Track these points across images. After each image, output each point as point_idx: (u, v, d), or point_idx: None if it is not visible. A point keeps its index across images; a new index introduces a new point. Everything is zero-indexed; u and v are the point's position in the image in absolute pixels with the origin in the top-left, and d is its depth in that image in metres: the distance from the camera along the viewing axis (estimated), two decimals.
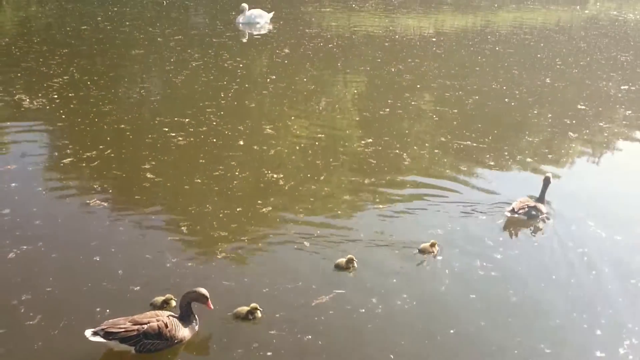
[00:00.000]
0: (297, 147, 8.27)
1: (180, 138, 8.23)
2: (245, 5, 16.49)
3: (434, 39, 16.65)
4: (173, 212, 6.36)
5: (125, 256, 5.42)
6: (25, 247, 5.46)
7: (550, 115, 10.20)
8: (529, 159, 8.29)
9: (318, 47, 14.59)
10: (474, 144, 8.66)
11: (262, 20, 16.70)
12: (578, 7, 26.90)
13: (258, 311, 4.65)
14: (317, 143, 8.44)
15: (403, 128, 9.33)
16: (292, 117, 9.60)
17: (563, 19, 23.00)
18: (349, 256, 5.39)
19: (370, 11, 21.41)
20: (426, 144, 8.62)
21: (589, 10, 25.93)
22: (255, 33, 16.02)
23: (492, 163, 8.05)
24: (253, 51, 14.09)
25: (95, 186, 6.77)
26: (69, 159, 7.44)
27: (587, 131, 9.59)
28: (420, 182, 7.38)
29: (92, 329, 4.14)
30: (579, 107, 10.74)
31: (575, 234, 6.22)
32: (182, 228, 5.99)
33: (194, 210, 6.34)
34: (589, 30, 19.98)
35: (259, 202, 6.60)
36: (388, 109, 10.07)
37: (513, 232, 6.23)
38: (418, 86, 11.61)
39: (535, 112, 10.34)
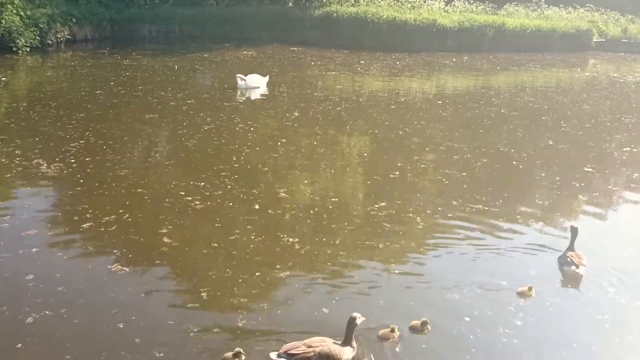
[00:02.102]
0: (311, 211, 8.38)
1: (197, 202, 8.37)
2: (239, 75, 17.04)
3: (439, 102, 17.03)
4: (193, 277, 6.41)
5: (146, 323, 5.45)
6: (47, 312, 5.52)
7: (558, 178, 10.35)
8: (541, 223, 8.36)
9: (327, 110, 14.93)
10: (486, 208, 8.77)
11: (260, 84, 17.23)
12: (579, 69, 27.59)
13: None
14: (330, 207, 8.56)
15: (414, 191, 9.46)
16: (305, 181, 9.76)
17: (563, 80, 23.54)
18: (423, 319, 5.49)
19: (374, 74, 21.97)
20: (439, 208, 8.72)
21: (589, 72, 26.56)
22: (263, 97, 16.43)
23: (505, 227, 8.12)
24: (263, 114, 14.42)
25: (115, 251, 6.86)
26: (88, 224, 7.55)
27: (597, 194, 9.71)
28: (435, 247, 7.45)
29: (275, 352, 4.83)
30: (586, 169, 10.91)
31: (593, 300, 6.25)
32: (203, 294, 6.03)
33: (214, 275, 6.41)
34: (590, 92, 20.41)
35: (277, 266, 6.67)
36: (398, 172, 10.24)
37: (527, 298, 6.25)
38: (427, 149, 11.83)
39: (543, 174, 10.50)
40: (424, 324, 5.52)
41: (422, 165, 10.74)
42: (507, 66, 26.48)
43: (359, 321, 5.11)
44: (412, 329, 5.55)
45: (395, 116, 14.73)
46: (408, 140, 12.40)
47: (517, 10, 35.33)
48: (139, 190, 8.82)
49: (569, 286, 6.61)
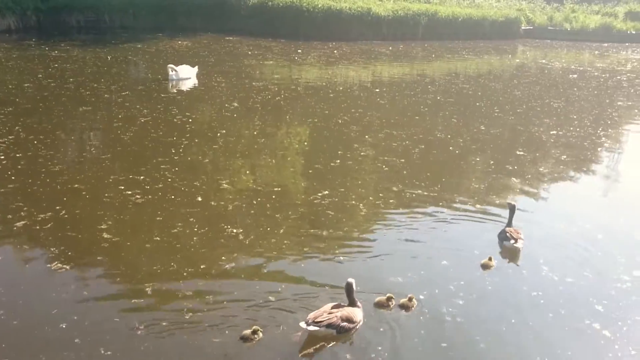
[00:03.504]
0: (254, 202, 8.36)
1: (137, 196, 8.20)
2: (171, 65, 16.69)
3: (376, 90, 17.26)
4: (137, 273, 6.30)
5: (90, 323, 5.33)
6: None
7: (492, 161, 10.74)
8: (478, 206, 8.65)
9: (266, 100, 14.88)
10: (425, 193, 9.00)
11: (191, 75, 16.93)
12: (509, 55, 28.56)
13: None
14: (273, 197, 8.57)
15: (356, 179, 9.59)
16: (247, 171, 9.72)
17: (495, 67, 24.33)
18: (389, 295, 5.85)
19: (312, 63, 22.01)
20: (380, 194, 8.88)
21: (519, 59, 27.53)
22: (201, 88, 16.20)
23: (444, 211, 8.36)
24: (202, 105, 14.23)
25: (53, 249, 6.64)
26: (23, 222, 7.27)
27: (529, 176, 10.12)
28: (378, 232, 7.61)
29: (304, 322, 5.19)
30: (518, 152, 11.36)
31: (528, 279, 6.55)
32: (147, 290, 5.93)
33: (158, 270, 6.31)
34: (520, 78, 21.19)
35: (223, 258, 6.64)
36: (339, 160, 10.35)
37: (469, 277, 6.49)
38: (366, 137, 11.99)
39: (478, 159, 10.86)
40: (389, 299, 5.85)
41: (362, 153, 10.89)
42: (442, 54, 27.09)
43: (354, 285, 5.59)
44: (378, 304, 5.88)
45: (334, 105, 14.84)
46: (347, 128, 12.53)
47: None
48: (76, 185, 8.55)
49: (507, 261, 6.90)
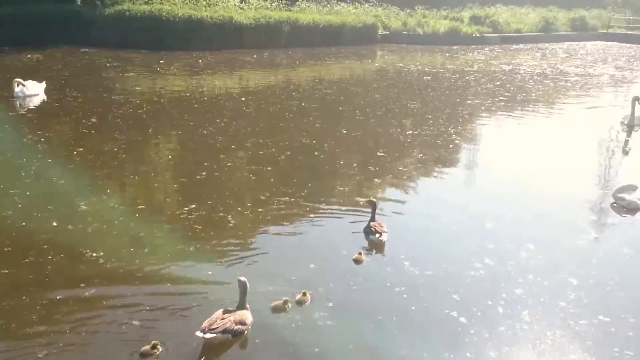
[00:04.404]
0: (116, 222, 7.98)
1: None
2: (18, 79, 15.53)
3: (242, 98, 17.22)
4: None
5: None
6: None
7: (355, 164, 11.11)
8: (344, 207, 8.90)
9: (127, 114, 14.29)
10: (293, 199, 9.12)
11: (39, 91, 15.84)
12: (369, 60, 29.77)
13: None
14: (137, 215, 8.24)
15: (223, 190, 9.48)
16: (107, 190, 9.25)
17: (356, 72, 25.23)
18: (285, 298, 6.00)
19: (175, 74, 21.50)
20: (248, 204, 8.85)
21: (378, 63, 28.79)
22: (55, 103, 15.22)
23: (313, 214, 8.52)
24: (56, 122, 13.37)
25: None
26: None
27: (390, 175, 10.60)
28: (248, 242, 7.57)
29: (200, 330, 5.24)
30: (379, 154, 11.86)
31: (392, 273, 6.84)
32: None
33: (8, 306, 5.80)
34: (380, 82, 22.16)
35: (82, 285, 6.26)
36: (205, 172, 10.18)
37: (341, 275, 6.65)
38: (232, 146, 11.91)
39: (342, 162, 11.19)
40: (285, 302, 5.99)
41: (229, 164, 10.80)
42: (305, 60, 27.62)
43: (247, 284, 5.72)
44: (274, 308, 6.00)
45: (198, 115, 14.59)
46: (213, 139, 12.37)
47: (309, 7, 36.95)
48: None
49: (374, 254, 7.15)
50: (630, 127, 14.63)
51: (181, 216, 8.29)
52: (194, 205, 8.64)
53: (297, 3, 36.63)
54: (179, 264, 6.90)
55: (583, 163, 11.78)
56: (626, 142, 13.82)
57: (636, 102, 14.61)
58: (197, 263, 6.92)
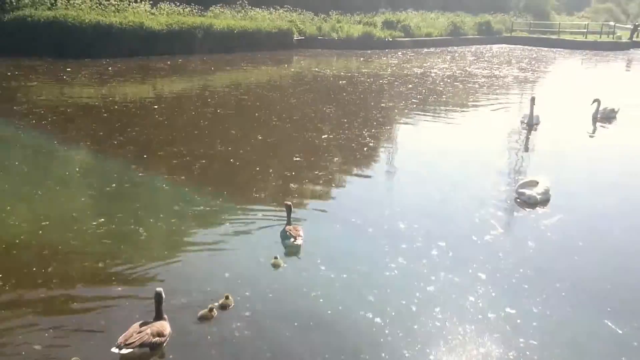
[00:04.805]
0: (17, 241, 7.53)
1: None
2: None
3: (155, 106, 16.78)
4: None
5: None
6: None
7: (271, 170, 11.07)
8: (260, 213, 8.82)
9: (30, 125, 13.60)
10: (208, 208, 8.95)
11: None
12: (285, 65, 29.84)
13: None
14: (40, 232, 7.82)
15: (134, 202, 9.18)
16: (7, 208, 8.71)
17: (273, 77, 25.21)
18: (210, 305, 5.96)
19: (84, 82, 20.68)
20: (161, 215, 8.60)
21: (294, 68, 28.90)
22: None
23: (227, 224, 8.38)
24: None
25: None
26: None
27: (306, 180, 10.62)
28: (161, 254, 7.34)
29: (116, 346, 5.12)
30: (295, 159, 11.87)
31: (308, 278, 6.84)
32: None
33: None
34: (296, 87, 22.24)
35: None
36: (115, 184, 9.82)
37: (259, 281, 6.58)
38: (144, 156, 11.56)
39: (258, 168, 11.10)
40: (211, 309, 5.94)
41: (140, 174, 10.47)
42: (221, 66, 27.34)
43: (163, 294, 5.58)
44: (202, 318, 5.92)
45: (108, 125, 14.07)
46: (123, 149, 11.97)
47: (223, 12, 36.64)
48: None
49: (290, 258, 7.12)
50: (529, 126, 15.43)
51: (89, 231, 7.94)
52: (102, 219, 8.30)
53: (210, 8, 36.19)
54: (87, 281, 6.60)
55: (489, 161, 12.27)
56: (527, 140, 14.55)
57: (533, 102, 15.42)
58: (107, 279, 6.65)
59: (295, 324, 5.91)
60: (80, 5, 28.98)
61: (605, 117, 16.68)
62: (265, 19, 37.45)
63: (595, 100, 16.61)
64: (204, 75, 24.35)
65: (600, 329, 5.97)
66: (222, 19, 34.60)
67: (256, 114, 16.29)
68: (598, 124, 16.38)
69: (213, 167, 11.17)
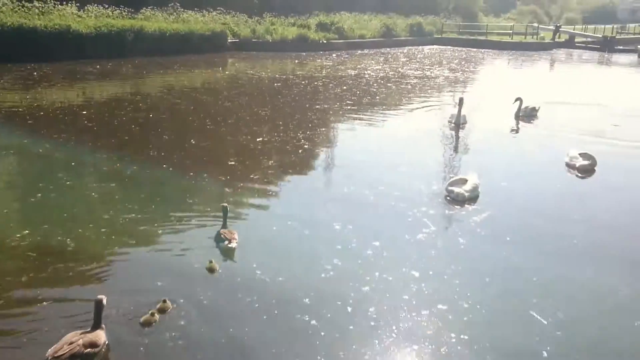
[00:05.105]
0: None
1: None
2: None
3: (83, 112, 16.25)
4: None
5: None
6: None
7: (205, 174, 10.92)
8: (194, 219, 8.69)
9: None
10: (139, 215, 8.74)
11: None
12: (220, 68, 29.52)
13: None
14: None
15: (61, 212, 8.84)
16: None
17: (207, 80, 24.89)
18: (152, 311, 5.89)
19: (7, 87, 19.82)
20: (90, 225, 8.32)
21: (229, 71, 28.64)
22: None
23: (159, 231, 8.21)
24: None
25: None
26: None
27: (241, 184, 10.53)
28: (91, 265, 7.11)
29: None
30: (230, 163, 11.75)
31: (242, 283, 6.79)
32: None
33: None
34: (231, 90, 22.04)
35: None
36: (40, 194, 9.44)
37: (191, 291, 6.47)
38: (72, 164, 11.18)
39: (192, 173, 10.93)
40: (152, 314, 5.88)
41: (68, 182, 10.11)
42: (153, 70, 26.78)
43: (104, 302, 5.50)
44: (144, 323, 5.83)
45: (34, 132, 13.53)
46: (50, 156, 11.55)
47: (154, 14, 35.90)
48: None
49: (224, 262, 7.04)
50: (457, 126, 15.88)
51: (12, 244, 7.59)
52: (27, 231, 7.96)
53: (141, 11, 35.38)
54: (9, 297, 6.31)
55: (421, 161, 12.52)
56: (456, 139, 14.96)
57: (461, 103, 15.90)
58: (32, 293, 6.37)
59: (231, 330, 5.85)
60: (0, 7, 27.69)
61: (527, 115, 17.38)
62: (198, 22, 36.95)
63: (517, 99, 17.27)
64: (136, 79, 23.78)
65: (527, 320, 6.20)
66: (154, 21, 33.90)
67: (190, 118, 16.05)
68: (520, 122, 17.04)
69: (145, 173, 10.92)
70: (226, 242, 7.53)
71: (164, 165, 11.34)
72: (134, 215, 8.75)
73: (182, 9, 37.90)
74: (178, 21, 36.00)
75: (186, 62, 30.05)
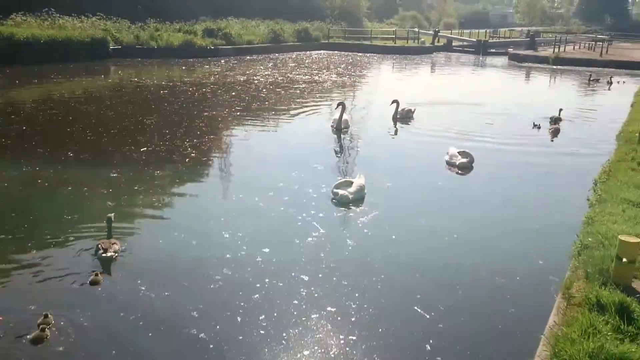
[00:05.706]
0: None
1: None
2: None
3: None
4: None
5: None
6: None
7: (85, 188, 10.37)
8: (74, 235, 8.21)
9: None
10: (10, 236, 8.14)
11: None
12: (102, 76, 28.21)
13: None
14: None
15: None
16: None
17: (89, 89, 23.66)
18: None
19: None
20: None
21: (112, 79, 27.44)
22: None
23: (34, 251, 7.68)
24: None
25: None
26: None
27: (125, 196, 10.11)
28: None
29: None
30: (112, 174, 11.22)
31: (128, 302, 6.51)
32: None
33: None
34: (114, 99, 21.12)
35: None
36: None
37: (74, 308, 6.10)
38: None
39: (70, 188, 10.34)
40: (43, 329, 5.65)
41: None
42: (28, 79, 25.13)
43: None
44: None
45: None
46: None
47: (26, 20, 33.67)
48: None
49: (108, 275, 6.70)
50: (338, 130, 16.19)
51: None
52: None
53: (10, 17, 33.04)
54: None
55: (309, 166, 12.54)
56: (340, 143, 15.25)
57: (343, 107, 16.24)
58: None
59: (113, 352, 5.58)
60: None
61: (404, 117, 18.07)
62: (76, 28, 35.07)
63: (394, 102, 17.92)
64: (7, 90, 22.19)
65: (411, 316, 6.43)
66: (26, 27, 31.78)
67: (68, 129, 15.19)
68: (398, 124, 17.68)
69: (17, 190, 10.21)
70: (100, 252, 7.36)
71: (39, 181, 10.65)
72: (4, 236, 8.15)
73: (57, 15, 35.81)
74: (54, 27, 33.95)
75: (64, 70, 28.43)
